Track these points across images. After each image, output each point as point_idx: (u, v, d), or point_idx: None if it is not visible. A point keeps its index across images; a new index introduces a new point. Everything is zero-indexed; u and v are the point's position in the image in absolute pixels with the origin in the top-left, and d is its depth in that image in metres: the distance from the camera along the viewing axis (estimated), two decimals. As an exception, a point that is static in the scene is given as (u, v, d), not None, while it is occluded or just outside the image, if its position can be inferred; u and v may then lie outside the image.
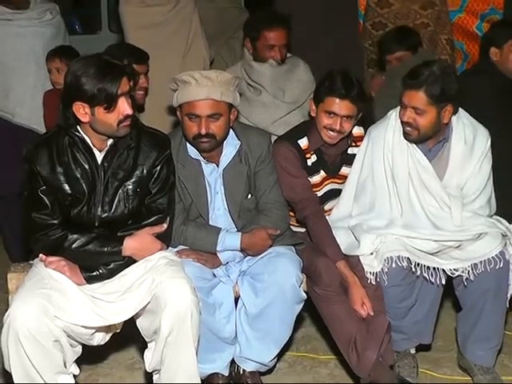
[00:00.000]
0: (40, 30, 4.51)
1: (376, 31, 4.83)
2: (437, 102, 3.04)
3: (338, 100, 3.15)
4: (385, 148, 3.23)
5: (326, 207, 3.41)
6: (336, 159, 3.40)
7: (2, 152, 4.31)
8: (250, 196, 3.23)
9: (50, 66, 4.25)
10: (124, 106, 2.74)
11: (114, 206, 2.86)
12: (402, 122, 3.15)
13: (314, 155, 3.35)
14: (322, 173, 3.37)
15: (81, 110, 2.73)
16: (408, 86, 3.09)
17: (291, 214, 3.38)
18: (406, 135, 3.16)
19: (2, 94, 4.38)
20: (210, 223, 3.22)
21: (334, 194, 3.42)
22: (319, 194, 3.38)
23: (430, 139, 3.17)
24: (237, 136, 3.22)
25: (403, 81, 3.14)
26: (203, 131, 3.05)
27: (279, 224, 3.21)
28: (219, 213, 3.24)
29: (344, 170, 3.41)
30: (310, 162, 3.34)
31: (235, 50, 4.98)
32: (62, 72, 4.07)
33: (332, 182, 3.41)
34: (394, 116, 3.25)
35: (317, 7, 4.67)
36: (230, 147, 3.20)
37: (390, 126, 3.24)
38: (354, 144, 3.40)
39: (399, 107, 3.19)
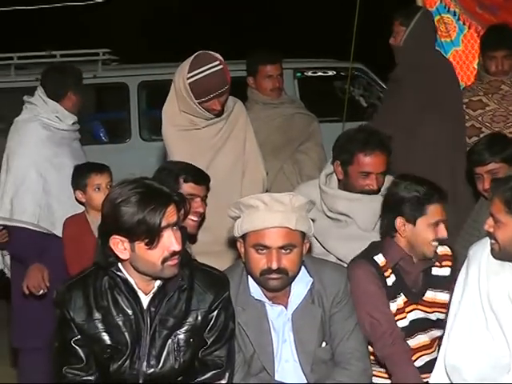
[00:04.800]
0: (79, 143, 4.86)
1: (469, 138, 4.87)
2: None
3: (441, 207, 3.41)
4: (481, 268, 3.23)
5: (414, 342, 3.48)
6: (417, 280, 3.52)
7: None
8: (324, 344, 3.28)
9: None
10: (170, 241, 2.81)
11: (162, 360, 2.92)
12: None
13: (393, 275, 3.47)
14: (403, 297, 3.48)
15: (119, 246, 2.81)
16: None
17: (372, 357, 3.44)
18: (491, 250, 3.20)
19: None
20: (277, 378, 3.26)
21: (423, 324, 3.50)
22: (403, 323, 3.46)
23: None
24: (308, 272, 3.30)
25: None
26: (274, 265, 3.10)
27: (360, 379, 3.25)
28: (287, 365, 3.27)
29: (429, 295, 3.52)
30: (389, 282, 3.46)
31: (301, 166, 5.20)
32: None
33: (416, 309, 3.51)
34: None
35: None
36: (301, 285, 3.27)
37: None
38: (438, 264, 3.55)
39: None
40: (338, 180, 3.99)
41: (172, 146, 4.22)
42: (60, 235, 4.45)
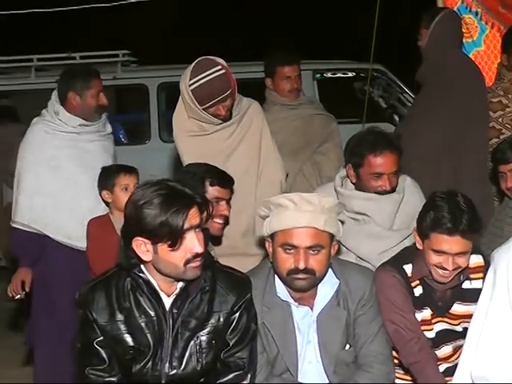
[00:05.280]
0: (105, 145, 4.70)
1: (489, 140, 4.78)
2: None
3: (446, 237, 3.21)
4: (509, 270, 3.05)
5: (439, 354, 3.44)
6: (445, 294, 3.44)
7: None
8: (348, 347, 3.27)
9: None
10: (193, 243, 2.80)
11: (184, 362, 2.91)
12: None
13: (420, 287, 3.42)
14: (428, 311, 3.43)
15: (142, 247, 2.81)
16: None
17: (395, 360, 3.42)
18: None
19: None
20: (299, 379, 3.26)
21: (448, 336, 3.45)
22: (430, 335, 3.42)
23: None
24: (334, 274, 3.28)
25: None
26: (301, 265, 3.10)
27: (382, 382, 3.24)
28: (310, 366, 3.27)
29: (459, 308, 3.43)
30: (417, 293, 3.41)
31: (320, 167, 5.16)
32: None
33: (441, 321, 3.45)
34: None
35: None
36: (327, 287, 3.26)
37: None
38: (469, 277, 3.41)
39: None
40: (352, 183, 3.97)
41: (183, 152, 4.21)
42: (53, 237, 4.48)
